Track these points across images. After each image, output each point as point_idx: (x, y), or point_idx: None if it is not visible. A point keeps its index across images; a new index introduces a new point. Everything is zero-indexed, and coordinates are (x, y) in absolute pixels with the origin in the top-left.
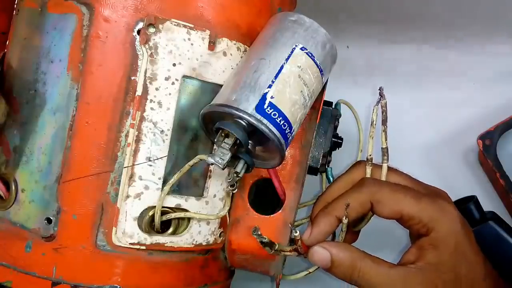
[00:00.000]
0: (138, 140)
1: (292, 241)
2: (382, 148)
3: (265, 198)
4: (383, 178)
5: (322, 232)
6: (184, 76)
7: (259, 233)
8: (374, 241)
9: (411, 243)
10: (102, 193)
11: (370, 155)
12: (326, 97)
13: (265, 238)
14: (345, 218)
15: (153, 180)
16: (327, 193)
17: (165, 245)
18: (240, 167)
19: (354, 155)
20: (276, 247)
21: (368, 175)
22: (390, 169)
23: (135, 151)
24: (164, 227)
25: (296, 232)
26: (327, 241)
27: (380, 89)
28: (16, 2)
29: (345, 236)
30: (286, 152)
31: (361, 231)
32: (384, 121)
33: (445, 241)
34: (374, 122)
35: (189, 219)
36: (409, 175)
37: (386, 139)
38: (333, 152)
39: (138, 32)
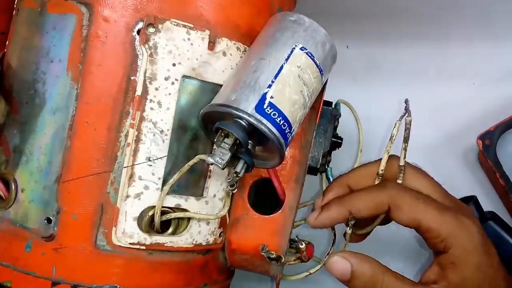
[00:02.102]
0: (137, 140)
1: (293, 241)
2: (399, 165)
3: (265, 198)
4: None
5: (331, 218)
6: (184, 76)
7: (267, 249)
8: (376, 245)
9: (428, 249)
10: (102, 193)
11: (381, 170)
12: (326, 97)
13: (273, 254)
14: (349, 229)
15: (153, 180)
16: (350, 176)
17: (165, 245)
18: (240, 167)
19: (354, 155)
20: (283, 260)
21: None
22: (418, 171)
23: (135, 151)
24: (164, 227)
25: (301, 245)
26: (347, 251)
27: (406, 102)
28: (16, 2)
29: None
30: (286, 152)
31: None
32: (406, 139)
33: (466, 260)
34: (394, 137)
35: (189, 219)
36: (436, 181)
37: (404, 157)
38: (333, 152)
39: (138, 32)
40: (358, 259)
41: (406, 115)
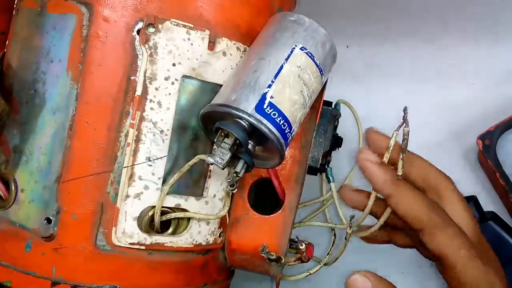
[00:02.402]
0: (137, 140)
1: (293, 242)
2: (397, 174)
3: (265, 198)
4: None
5: (373, 173)
6: (184, 76)
7: (267, 250)
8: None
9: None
10: (102, 193)
11: None
12: (326, 97)
13: (273, 255)
14: (350, 229)
15: (152, 180)
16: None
17: (165, 245)
18: (239, 167)
19: (353, 155)
20: (283, 261)
21: (372, 198)
22: (461, 200)
23: (135, 151)
24: (164, 227)
25: (302, 245)
26: (367, 271)
27: (405, 111)
28: (16, 2)
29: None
30: (286, 152)
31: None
32: (404, 150)
33: None
34: (391, 147)
35: (188, 219)
36: (473, 217)
37: (402, 167)
38: (333, 152)
39: (138, 32)
40: (378, 279)
41: (404, 125)
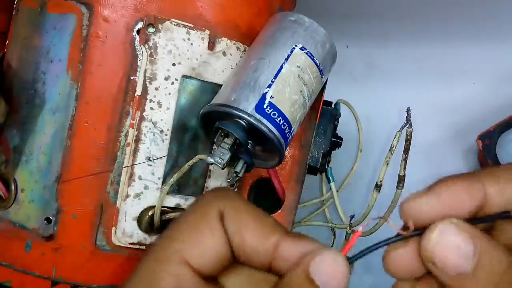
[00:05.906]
0: (137, 140)
1: None
2: (399, 175)
3: (265, 198)
4: (398, 203)
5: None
6: (184, 76)
7: None
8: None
9: None
10: (102, 193)
11: (380, 181)
12: (326, 97)
13: None
14: (349, 229)
15: (152, 180)
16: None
17: None
18: (239, 167)
19: (353, 155)
20: None
21: (373, 198)
22: None
23: (135, 151)
24: (164, 227)
25: None
26: (458, 219)
27: (408, 112)
28: (15, 2)
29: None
30: (286, 152)
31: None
32: (407, 150)
33: None
34: (394, 148)
35: None
36: None
37: (405, 168)
38: (332, 152)
39: (138, 32)
40: (486, 239)
41: (407, 126)
